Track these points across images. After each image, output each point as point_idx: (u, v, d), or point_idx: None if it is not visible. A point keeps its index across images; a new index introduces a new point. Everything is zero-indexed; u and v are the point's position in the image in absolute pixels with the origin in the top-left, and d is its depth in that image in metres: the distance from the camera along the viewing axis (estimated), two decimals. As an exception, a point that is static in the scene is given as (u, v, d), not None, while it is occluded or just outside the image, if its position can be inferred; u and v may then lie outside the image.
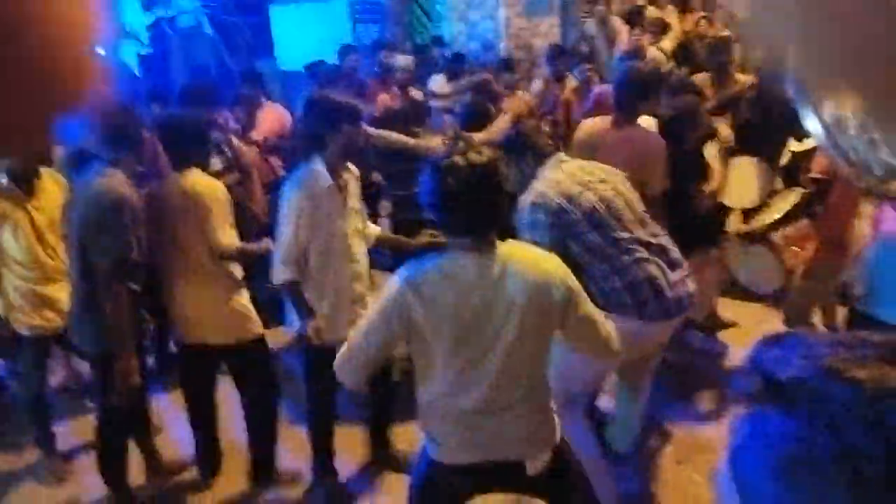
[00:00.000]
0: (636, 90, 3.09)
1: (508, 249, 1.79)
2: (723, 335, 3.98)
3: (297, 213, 2.51)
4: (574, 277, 1.85)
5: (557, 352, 1.94)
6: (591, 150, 2.97)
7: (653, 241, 2.49)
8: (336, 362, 1.89)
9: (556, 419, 1.95)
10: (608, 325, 1.89)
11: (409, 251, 2.73)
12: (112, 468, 2.83)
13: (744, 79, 5.06)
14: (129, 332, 2.54)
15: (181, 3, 12.57)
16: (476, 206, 1.73)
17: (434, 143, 3.55)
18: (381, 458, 3.10)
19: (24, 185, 2.95)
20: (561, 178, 2.44)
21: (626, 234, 2.43)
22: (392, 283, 1.81)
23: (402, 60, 5.48)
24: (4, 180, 2.92)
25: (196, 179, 2.69)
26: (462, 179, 1.70)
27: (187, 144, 2.76)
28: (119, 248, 2.45)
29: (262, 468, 3.01)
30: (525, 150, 2.52)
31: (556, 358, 1.98)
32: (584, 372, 2.49)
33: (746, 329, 3.97)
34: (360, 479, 3.05)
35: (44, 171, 3.07)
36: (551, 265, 1.81)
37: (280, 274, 2.57)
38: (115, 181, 2.51)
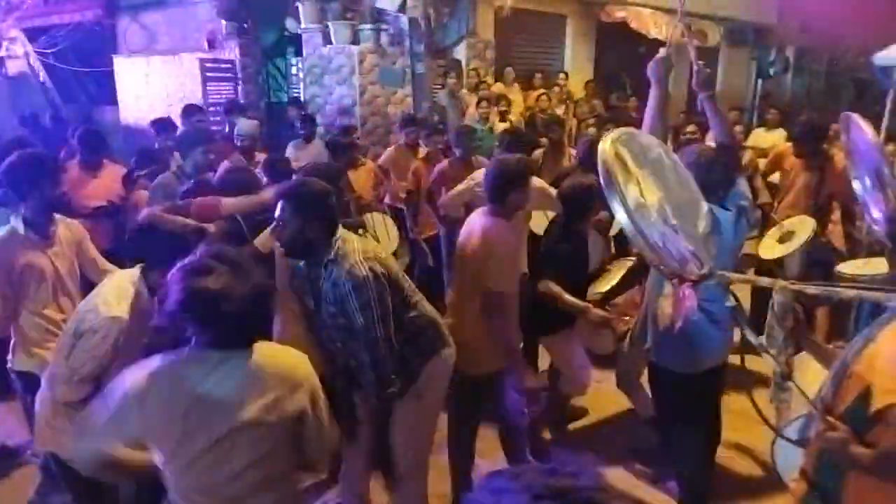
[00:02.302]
0: (506, 182, 2.97)
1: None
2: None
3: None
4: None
5: None
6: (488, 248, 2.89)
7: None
8: None
9: None
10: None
11: None
12: None
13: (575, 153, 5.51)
14: None
15: (12, 48, 11.63)
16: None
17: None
18: None
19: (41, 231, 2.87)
20: (361, 248, 2.34)
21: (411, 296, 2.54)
22: None
23: (246, 125, 5.29)
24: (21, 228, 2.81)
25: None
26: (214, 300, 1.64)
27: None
28: None
29: None
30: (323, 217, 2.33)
31: None
32: None
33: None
34: None
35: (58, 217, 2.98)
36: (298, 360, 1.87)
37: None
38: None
